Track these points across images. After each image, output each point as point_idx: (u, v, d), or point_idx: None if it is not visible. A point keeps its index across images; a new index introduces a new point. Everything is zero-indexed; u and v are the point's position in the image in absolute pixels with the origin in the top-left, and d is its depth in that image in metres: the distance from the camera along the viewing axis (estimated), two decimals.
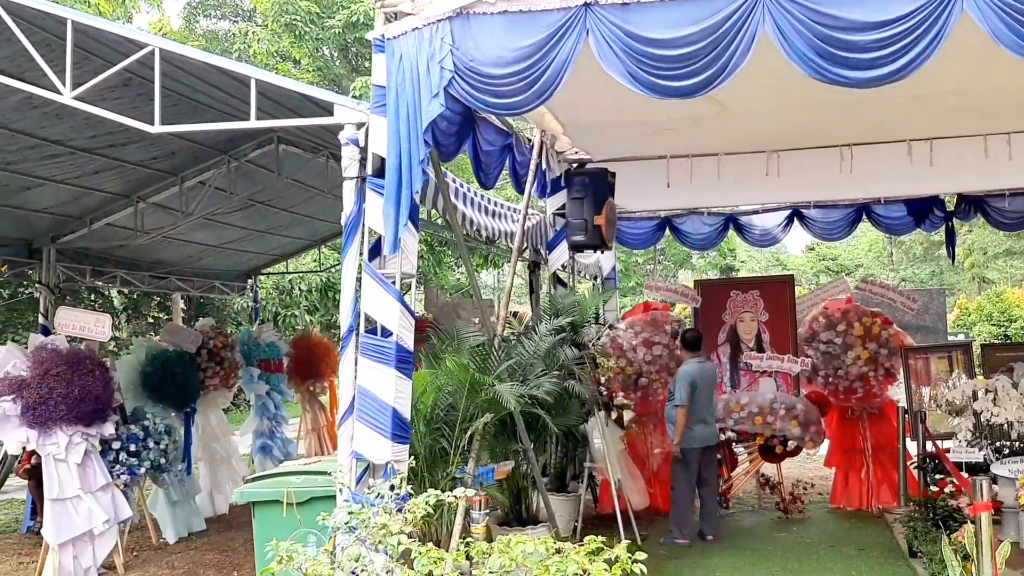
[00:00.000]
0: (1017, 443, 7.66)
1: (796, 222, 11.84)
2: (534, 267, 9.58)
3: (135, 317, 20.38)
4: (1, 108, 7.13)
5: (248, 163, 9.58)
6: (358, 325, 4.98)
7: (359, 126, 5.05)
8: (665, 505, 8.88)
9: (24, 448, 7.81)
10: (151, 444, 8.47)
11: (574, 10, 4.73)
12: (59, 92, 5.27)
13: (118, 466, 8.09)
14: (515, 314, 9.87)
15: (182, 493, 9.26)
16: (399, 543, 3.64)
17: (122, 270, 11.38)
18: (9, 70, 5.99)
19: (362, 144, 5.04)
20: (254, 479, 5.79)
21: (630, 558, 3.40)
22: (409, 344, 4.93)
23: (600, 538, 3.51)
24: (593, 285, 12.85)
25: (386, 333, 4.89)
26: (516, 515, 7.30)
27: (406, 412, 4.88)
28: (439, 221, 8.04)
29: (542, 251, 9.29)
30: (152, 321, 20.47)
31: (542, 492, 7.08)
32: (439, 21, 4.86)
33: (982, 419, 7.82)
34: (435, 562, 3.37)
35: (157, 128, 5.20)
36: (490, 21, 4.84)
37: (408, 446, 4.91)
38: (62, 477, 7.66)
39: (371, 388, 4.84)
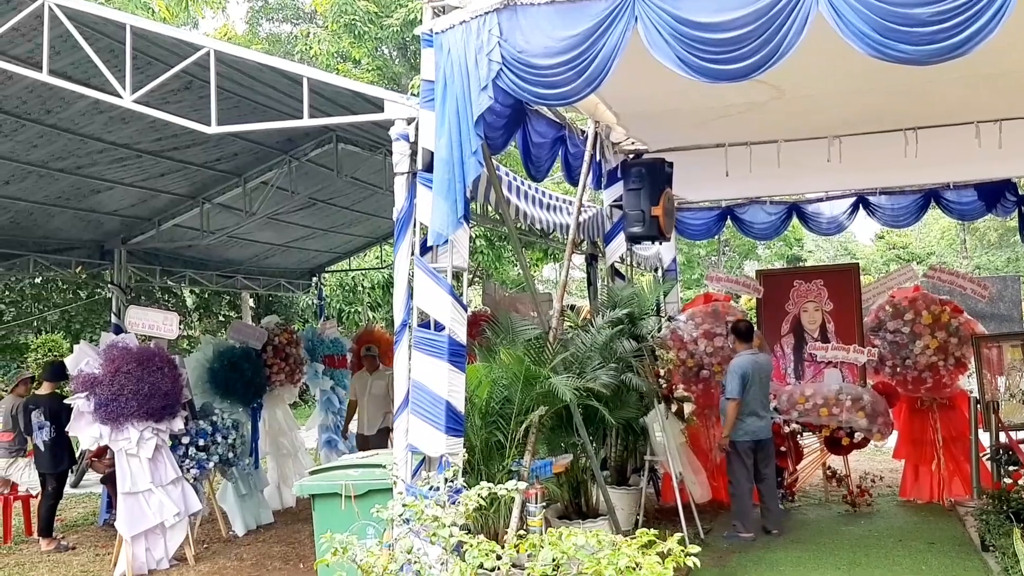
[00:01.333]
0: None
1: (862, 209, 11.56)
2: (592, 260, 9.53)
3: (206, 315, 20.89)
4: (69, 114, 7.36)
5: (308, 162, 9.73)
6: (411, 320, 5.00)
7: (409, 121, 5.08)
8: (729, 499, 8.76)
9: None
10: (219, 439, 8.68)
11: None
12: (120, 96, 5.41)
13: (187, 460, 8.31)
14: (573, 307, 9.81)
15: (250, 486, 9.45)
16: (451, 535, 3.65)
17: (191, 270, 11.68)
18: (75, 76, 6.17)
19: (412, 139, 5.07)
20: (314, 472, 5.87)
21: (683, 551, 3.35)
22: (462, 338, 4.94)
23: (653, 531, 3.47)
24: (654, 277, 12.72)
25: (439, 327, 4.92)
26: (576, 509, 7.28)
27: (460, 405, 4.90)
28: (495, 216, 8.04)
29: (599, 243, 9.23)
30: (222, 319, 20.96)
31: (601, 486, 7.04)
32: (486, 13, 4.85)
33: None
34: (486, 555, 3.37)
35: (214, 128, 5.31)
36: (537, 12, 4.81)
37: (462, 439, 4.92)
38: (134, 471, 7.89)
39: (424, 382, 4.86)
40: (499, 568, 3.64)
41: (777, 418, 9.03)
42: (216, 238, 10.36)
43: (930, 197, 11.19)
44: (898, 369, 9.20)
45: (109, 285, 10.61)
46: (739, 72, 4.59)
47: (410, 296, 5.03)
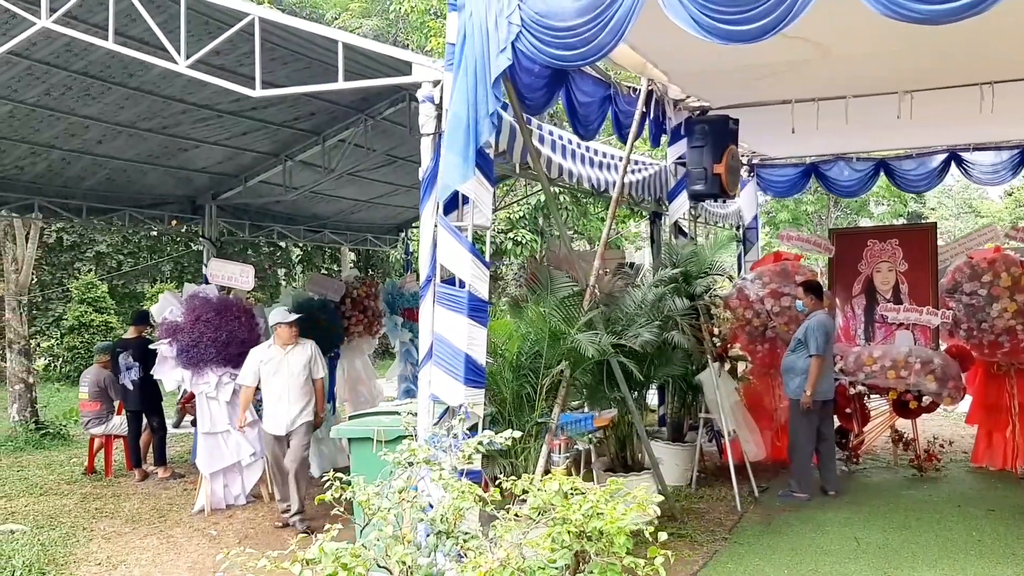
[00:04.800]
0: None
1: (953, 166, 11.11)
2: (655, 217, 9.54)
3: (309, 268, 21.78)
4: (150, 77, 7.83)
5: (384, 120, 10.02)
6: (436, 275, 5.24)
7: (435, 84, 5.26)
8: (788, 458, 8.75)
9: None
10: None
11: None
12: (175, 62, 5.79)
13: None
14: (632, 265, 9.87)
15: (327, 431, 9.96)
16: (441, 477, 3.89)
17: (279, 224, 12.23)
18: (148, 42, 6.59)
19: (437, 101, 5.26)
20: (352, 417, 6.23)
21: (648, 500, 3.49)
22: (483, 293, 5.14)
23: (621, 480, 3.63)
24: (735, 235, 12.60)
25: (462, 283, 5.13)
26: (622, 462, 7.43)
27: (480, 358, 5.12)
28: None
29: (663, 201, 9.24)
30: (325, 271, 21.85)
31: (644, 440, 7.17)
32: None
33: None
34: (461, 495, 3.60)
35: (258, 92, 5.63)
36: None
37: (483, 391, 5.15)
38: (213, 413, 8.49)
39: (446, 335, 5.10)
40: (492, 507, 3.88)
41: (843, 379, 8.93)
42: (298, 193, 10.82)
43: None
44: (974, 332, 8.91)
45: (200, 238, 11.25)
46: (754, 33, 4.56)
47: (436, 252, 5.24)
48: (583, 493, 3.58)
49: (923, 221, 34.08)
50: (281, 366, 7.61)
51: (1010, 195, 37.93)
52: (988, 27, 5.09)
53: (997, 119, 8.22)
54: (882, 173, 11.51)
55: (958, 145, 10.86)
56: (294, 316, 7.71)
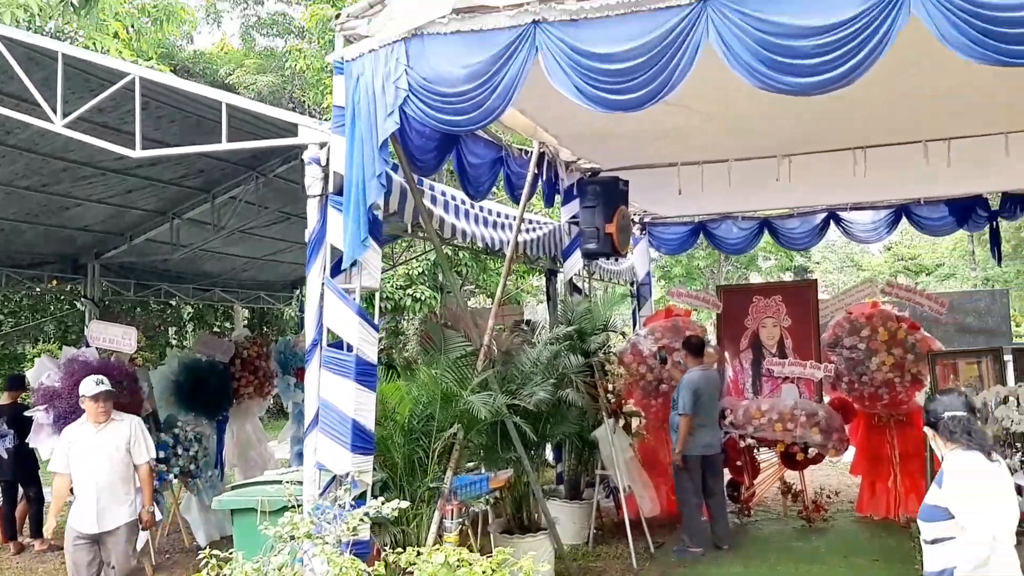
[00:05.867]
0: None
1: (832, 225, 11.62)
2: (551, 274, 9.65)
3: (200, 327, 21.11)
4: (28, 135, 7.55)
5: (276, 178, 9.89)
6: (322, 339, 5.14)
7: (321, 146, 5.23)
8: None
9: None
10: (180, 451, 8.85)
11: (523, 28, 4.79)
12: (51, 121, 5.60)
13: None
14: (528, 322, 9.94)
15: (213, 498, 9.60)
16: (323, 551, 3.77)
17: (165, 283, 11.86)
18: (25, 99, 6.34)
19: (324, 163, 5.22)
20: (235, 487, 6.02)
21: (535, 569, 3.45)
22: (371, 357, 5.07)
23: (508, 550, 3.58)
24: (629, 291, 12.85)
25: (349, 347, 5.05)
26: (519, 523, 7.37)
27: (368, 424, 5.02)
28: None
29: (558, 259, 9.35)
30: (218, 330, 21.21)
31: (539, 500, 7.14)
32: (394, 42, 4.99)
33: (1003, 427, 7.59)
34: (343, 571, 3.49)
35: (138, 153, 5.49)
36: (443, 40, 4.94)
37: (371, 457, 5.05)
38: None
39: (333, 400, 5.00)
40: None
41: (733, 432, 9.12)
42: (187, 251, 10.53)
43: (901, 213, 11.25)
44: (855, 385, 9.25)
45: (83, 299, 10.81)
46: (635, 102, 4.69)
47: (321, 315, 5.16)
48: (470, 564, 3.51)
49: (808, 275, 35.51)
50: (92, 448, 6.20)
51: (889, 249, 39.88)
52: (857, 96, 5.37)
53: (871, 181, 8.65)
54: (766, 231, 11.95)
55: (837, 205, 11.38)
56: (102, 387, 6.31)
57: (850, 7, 4.34)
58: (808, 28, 4.38)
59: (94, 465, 6.18)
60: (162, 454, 8.57)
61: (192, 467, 9.02)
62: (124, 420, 6.51)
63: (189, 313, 21.15)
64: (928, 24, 4.28)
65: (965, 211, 10.89)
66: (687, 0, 4.47)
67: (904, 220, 11.28)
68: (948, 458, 4.16)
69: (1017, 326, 21.48)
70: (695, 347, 8.42)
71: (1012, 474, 7.32)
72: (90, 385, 6.33)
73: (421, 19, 4.92)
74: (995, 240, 11.31)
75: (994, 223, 11.15)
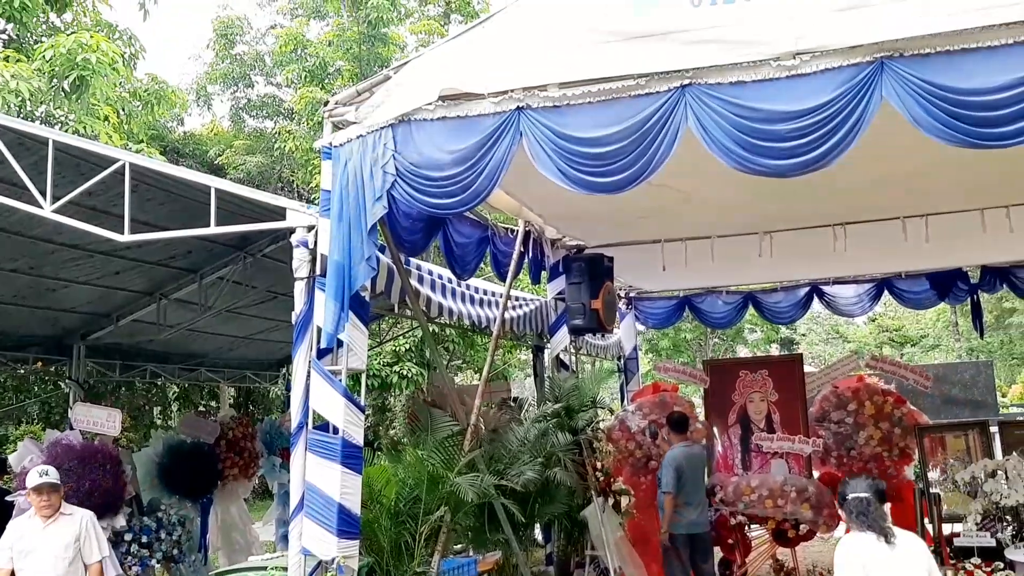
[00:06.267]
0: None
1: (816, 298, 11.73)
2: (538, 350, 9.67)
3: (186, 406, 20.93)
4: (17, 218, 7.58)
5: (264, 257, 9.94)
6: (308, 422, 5.13)
7: (309, 228, 5.30)
8: None
9: None
10: (163, 535, 8.70)
11: (508, 114, 4.93)
12: (40, 206, 5.66)
13: (130, 557, 8.31)
14: (516, 400, 9.91)
15: None
16: None
17: (152, 363, 11.79)
18: (15, 183, 6.41)
19: (312, 246, 5.28)
20: (219, 573, 5.92)
21: None
22: (357, 439, 5.05)
23: None
24: (617, 366, 12.87)
25: (335, 429, 5.03)
26: None
27: (355, 508, 4.98)
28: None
29: (545, 335, 9.39)
30: (203, 409, 21.00)
31: None
32: (382, 128, 5.11)
33: (993, 501, 7.57)
34: None
35: (126, 237, 5.55)
36: (430, 126, 5.07)
37: (357, 542, 4.99)
38: None
39: (318, 484, 4.96)
40: None
41: (723, 510, 9.04)
42: (174, 332, 10.51)
43: (883, 286, 11.39)
44: (843, 460, 9.22)
45: (67, 380, 10.74)
46: (617, 184, 4.81)
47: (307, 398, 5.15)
48: None
49: (794, 347, 35.67)
50: (38, 545, 5.75)
51: (874, 321, 40.16)
52: (834, 175, 5.49)
53: (852, 255, 8.79)
54: (751, 305, 12.05)
55: (819, 279, 11.53)
56: (46, 480, 5.84)
57: (824, 92, 4.49)
58: (784, 113, 4.52)
59: (39, 564, 5.75)
60: (145, 538, 8.43)
61: (175, 551, 8.84)
62: (75, 515, 6.12)
63: (174, 392, 20.99)
64: (899, 108, 4.44)
65: (946, 284, 11.04)
66: (666, 87, 4.61)
67: (886, 293, 11.43)
68: (842, 539, 4.47)
69: (1003, 396, 21.57)
70: (678, 423, 8.41)
71: (1004, 548, 7.35)
72: (33, 477, 5.91)
73: (408, 106, 5.05)
74: (977, 313, 11.44)
75: (975, 296, 11.30)
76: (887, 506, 9.01)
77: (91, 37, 11.52)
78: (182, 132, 22.12)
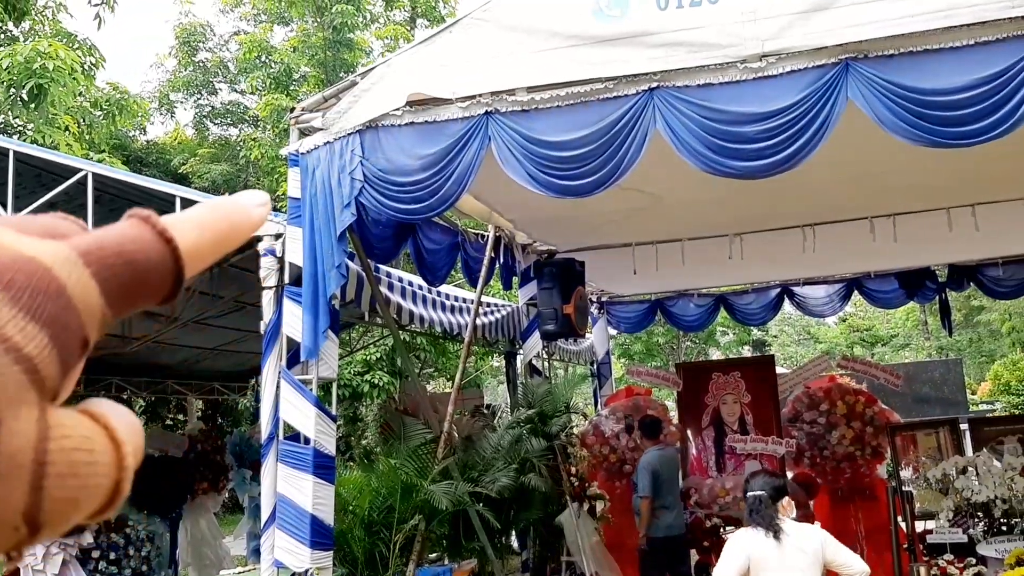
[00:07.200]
0: (1002, 521, 7.44)
1: (787, 299, 11.80)
2: (510, 356, 9.63)
3: (153, 420, 20.65)
4: None
5: (231, 267, 9.81)
6: (279, 433, 5.05)
7: (276, 237, 5.22)
8: None
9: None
10: (132, 552, 8.54)
11: (476, 119, 4.89)
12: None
13: (98, 575, 8.16)
14: (489, 407, 9.87)
15: None
16: None
17: (117, 377, 11.60)
18: None
19: (279, 254, 5.21)
20: None
21: None
22: (329, 449, 4.98)
23: None
24: (590, 371, 12.86)
25: (306, 440, 4.96)
26: None
27: (327, 518, 4.90)
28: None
29: (517, 341, 9.35)
30: (170, 423, 20.73)
31: None
32: (349, 135, 5.05)
33: (964, 497, 7.63)
34: None
35: None
36: (398, 132, 5.02)
37: (331, 553, 4.92)
38: None
39: (290, 496, 4.88)
40: None
41: (698, 512, 9.04)
42: (140, 345, 10.33)
43: (852, 286, 11.47)
44: (816, 460, 9.25)
45: None
46: (586, 187, 4.79)
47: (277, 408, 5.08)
48: None
49: (766, 349, 35.93)
50: None
51: (844, 321, 40.50)
52: (803, 176, 5.52)
53: (822, 256, 8.84)
54: (722, 308, 12.09)
55: (789, 280, 11.58)
56: None
57: (791, 94, 4.50)
58: (751, 114, 4.53)
59: None
60: (113, 555, 8.27)
61: (144, 568, 8.69)
62: None
63: (141, 406, 20.71)
64: (865, 109, 4.46)
65: (914, 284, 11.14)
66: (634, 90, 4.60)
67: (856, 293, 11.53)
68: (733, 534, 4.68)
69: (972, 394, 21.85)
70: (650, 427, 8.39)
71: (976, 544, 7.41)
72: None
73: (375, 112, 5.00)
74: (945, 311, 11.55)
75: (943, 295, 11.41)
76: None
77: (49, 45, 11.32)
78: (145, 141, 21.82)
